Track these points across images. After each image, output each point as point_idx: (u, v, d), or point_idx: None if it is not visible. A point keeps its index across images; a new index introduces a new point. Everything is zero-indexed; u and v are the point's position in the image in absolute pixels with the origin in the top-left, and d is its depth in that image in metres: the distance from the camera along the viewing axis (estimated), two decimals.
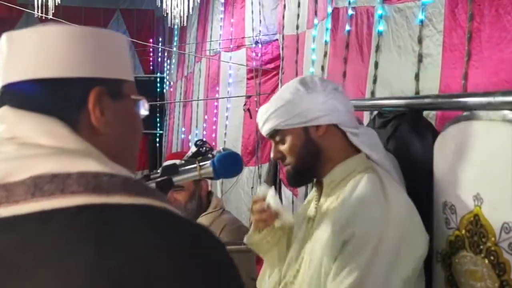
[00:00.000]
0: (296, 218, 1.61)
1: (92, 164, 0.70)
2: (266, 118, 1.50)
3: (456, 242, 1.37)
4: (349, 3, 2.32)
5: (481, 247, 1.27)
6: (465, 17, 1.61)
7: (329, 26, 2.59)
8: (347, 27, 2.34)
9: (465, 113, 1.36)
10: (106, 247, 0.63)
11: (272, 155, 1.56)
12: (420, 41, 1.84)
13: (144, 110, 0.88)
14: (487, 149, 1.27)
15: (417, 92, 1.84)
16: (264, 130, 1.52)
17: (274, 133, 1.51)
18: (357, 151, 1.49)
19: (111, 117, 0.80)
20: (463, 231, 1.34)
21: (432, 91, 1.75)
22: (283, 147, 1.50)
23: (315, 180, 1.57)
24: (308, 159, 1.48)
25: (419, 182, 1.51)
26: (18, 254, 0.64)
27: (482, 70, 1.56)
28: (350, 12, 2.32)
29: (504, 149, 1.20)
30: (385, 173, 1.45)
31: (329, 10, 2.61)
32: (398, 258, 1.30)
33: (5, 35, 0.80)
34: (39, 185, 0.67)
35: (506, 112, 1.21)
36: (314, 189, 1.61)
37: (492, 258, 1.24)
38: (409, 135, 1.57)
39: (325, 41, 2.63)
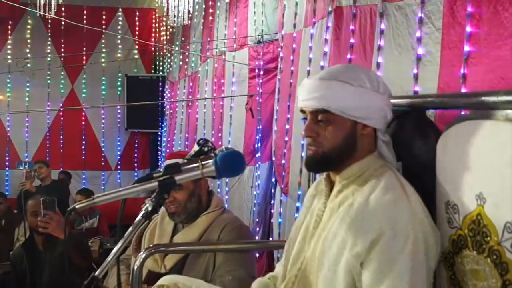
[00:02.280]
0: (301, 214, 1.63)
1: None
2: (323, 95, 1.44)
3: (458, 241, 1.37)
4: (354, 2, 2.30)
5: (484, 246, 1.27)
6: (464, 14, 1.61)
7: (330, 24, 2.57)
8: (352, 26, 2.33)
9: (468, 112, 1.36)
10: None
11: (304, 132, 1.50)
12: (419, 39, 1.84)
13: None
14: (490, 148, 1.26)
15: (416, 91, 1.83)
16: (310, 104, 1.47)
17: (320, 111, 1.46)
18: (371, 151, 1.51)
19: None
20: (466, 231, 1.34)
21: (431, 90, 1.74)
22: (325, 129, 1.46)
23: (325, 174, 1.57)
24: (343, 150, 1.47)
25: (422, 182, 1.51)
26: None
27: (480, 68, 1.55)
28: (354, 11, 2.31)
29: (507, 148, 1.19)
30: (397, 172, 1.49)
31: (330, 8, 2.60)
32: (428, 249, 1.35)
33: None
34: None
35: (509, 111, 1.21)
36: (317, 185, 1.61)
37: (494, 257, 1.24)
38: (412, 134, 1.57)
39: (325, 39, 2.62)
